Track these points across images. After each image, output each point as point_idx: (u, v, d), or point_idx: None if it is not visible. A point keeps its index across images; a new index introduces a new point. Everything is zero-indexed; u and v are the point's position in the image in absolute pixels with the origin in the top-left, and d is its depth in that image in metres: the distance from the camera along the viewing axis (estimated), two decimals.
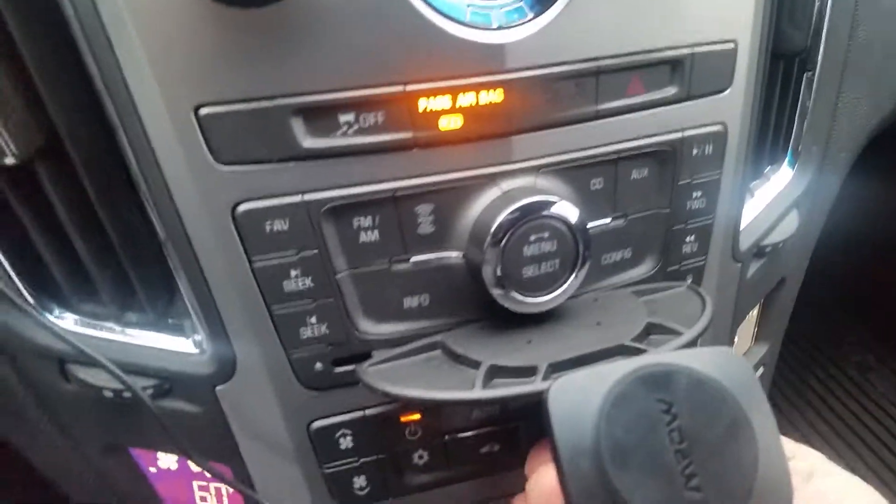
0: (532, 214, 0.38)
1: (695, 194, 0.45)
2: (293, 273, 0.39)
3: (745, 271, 0.53)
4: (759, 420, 0.30)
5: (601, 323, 0.41)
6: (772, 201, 0.53)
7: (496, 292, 0.39)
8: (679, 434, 0.29)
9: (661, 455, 0.29)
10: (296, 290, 0.39)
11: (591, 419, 0.29)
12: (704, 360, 0.31)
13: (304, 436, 0.44)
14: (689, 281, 0.48)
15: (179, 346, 0.42)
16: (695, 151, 0.43)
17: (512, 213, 0.38)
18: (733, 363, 0.32)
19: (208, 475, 0.46)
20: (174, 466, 0.47)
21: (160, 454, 0.47)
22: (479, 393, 0.37)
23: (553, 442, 0.30)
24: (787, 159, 0.53)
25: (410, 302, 0.42)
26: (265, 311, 0.39)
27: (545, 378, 0.36)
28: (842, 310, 1.42)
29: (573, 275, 0.40)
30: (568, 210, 0.39)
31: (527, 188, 0.39)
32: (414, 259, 0.41)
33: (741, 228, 0.50)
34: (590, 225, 0.41)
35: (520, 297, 0.40)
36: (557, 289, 0.41)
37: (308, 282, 0.39)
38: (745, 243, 0.51)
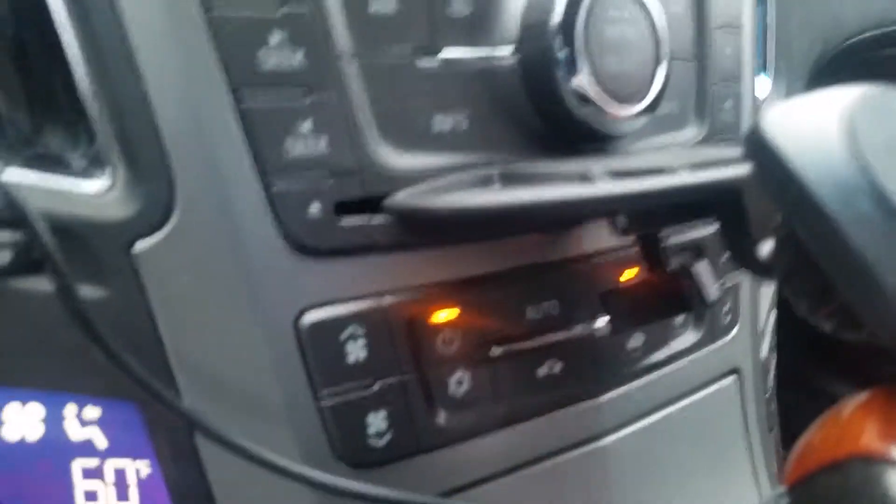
0: None
1: (726, 47, 0.39)
2: (273, 38, 0.25)
3: None
4: None
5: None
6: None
7: (571, 84, 0.28)
8: None
9: None
10: (279, 69, 0.25)
11: (842, 147, 0.18)
12: None
13: (288, 337, 0.26)
14: None
15: (67, 183, 0.24)
16: None
17: None
18: None
19: (98, 447, 0.26)
20: (34, 435, 0.26)
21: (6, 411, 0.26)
22: (605, 186, 0.24)
23: (794, 187, 0.18)
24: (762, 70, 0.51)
25: (443, 123, 0.29)
26: (231, 99, 0.24)
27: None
28: None
29: (660, 68, 0.31)
30: None
31: None
32: (445, 54, 0.28)
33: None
34: None
35: (607, 103, 0.29)
36: (647, 94, 0.30)
37: (300, 58, 0.25)
38: None
